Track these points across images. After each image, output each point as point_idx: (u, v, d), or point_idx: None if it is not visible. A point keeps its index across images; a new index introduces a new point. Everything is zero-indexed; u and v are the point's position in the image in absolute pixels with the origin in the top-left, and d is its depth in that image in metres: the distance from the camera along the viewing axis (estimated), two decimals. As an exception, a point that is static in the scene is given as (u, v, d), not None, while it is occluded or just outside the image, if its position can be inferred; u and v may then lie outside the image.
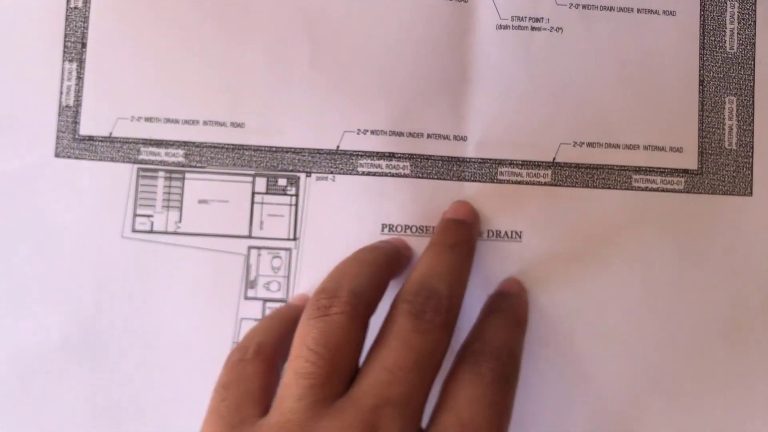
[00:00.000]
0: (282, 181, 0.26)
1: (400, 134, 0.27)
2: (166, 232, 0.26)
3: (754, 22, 0.27)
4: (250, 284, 0.26)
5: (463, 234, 0.24)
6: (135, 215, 0.26)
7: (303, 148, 0.27)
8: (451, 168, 0.27)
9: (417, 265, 0.22)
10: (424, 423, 0.20)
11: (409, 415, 0.19)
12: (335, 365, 0.19)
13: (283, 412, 0.19)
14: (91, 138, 0.26)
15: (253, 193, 0.26)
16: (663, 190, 0.27)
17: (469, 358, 0.21)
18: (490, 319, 0.23)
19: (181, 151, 0.26)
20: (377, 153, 0.27)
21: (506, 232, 0.26)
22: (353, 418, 0.18)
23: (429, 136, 0.27)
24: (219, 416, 0.20)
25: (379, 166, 0.27)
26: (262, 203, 0.26)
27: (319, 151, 0.27)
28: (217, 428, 0.19)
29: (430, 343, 0.20)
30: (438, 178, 0.27)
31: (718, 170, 0.27)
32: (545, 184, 0.27)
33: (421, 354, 0.20)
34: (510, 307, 0.24)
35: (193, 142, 0.26)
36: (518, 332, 0.23)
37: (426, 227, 0.26)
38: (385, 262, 0.23)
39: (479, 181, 0.27)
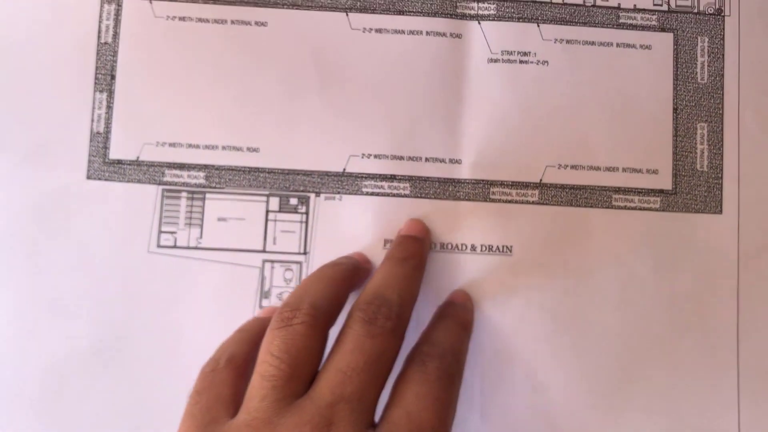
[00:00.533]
0: (293, 201, 0.29)
1: (401, 158, 0.29)
2: (188, 247, 0.29)
3: (723, 55, 0.30)
4: (265, 294, 0.29)
5: (414, 248, 0.27)
6: (160, 232, 0.29)
7: (313, 171, 0.29)
8: (447, 188, 0.29)
9: (372, 278, 0.25)
10: (377, 418, 0.22)
11: (361, 410, 0.21)
12: (295, 368, 0.22)
13: (249, 411, 0.21)
14: (119, 162, 0.29)
15: (267, 212, 0.29)
16: (640, 209, 0.29)
17: (417, 358, 0.23)
18: (438, 324, 0.26)
19: (202, 174, 0.29)
20: (380, 175, 0.29)
21: (498, 247, 0.29)
22: (311, 414, 0.20)
23: (427, 159, 0.29)
24: (192, 418, 0.22)
25: (382, 186, 0.29)
26: (275, 221, 0.29)
27: (327, 174, 0.29)
28: (191, 428, 0.22)
29: (380, 346, 0.22)
30: (435, 198, 0.29)
31: (690, 190, 0.30)
32: (533, 202, 0.29)
33: (372, 356, 0.22)
34: (456, 313, 0.27)
35: (213, 165, 0.29)
36: (463, 336, 0.26)
37: (424, 242, 0.29)
38: (343, 278, 0.26)
39: (473, 200, 0.29)
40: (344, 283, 0.25)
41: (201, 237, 0.29)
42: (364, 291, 0.24)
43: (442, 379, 0.22)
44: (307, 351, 0.22)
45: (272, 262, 0.29)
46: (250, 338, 0.25)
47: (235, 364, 0.23)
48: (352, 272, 0.26)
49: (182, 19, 0.30)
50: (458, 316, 0.26)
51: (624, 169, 0.30)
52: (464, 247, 0.29)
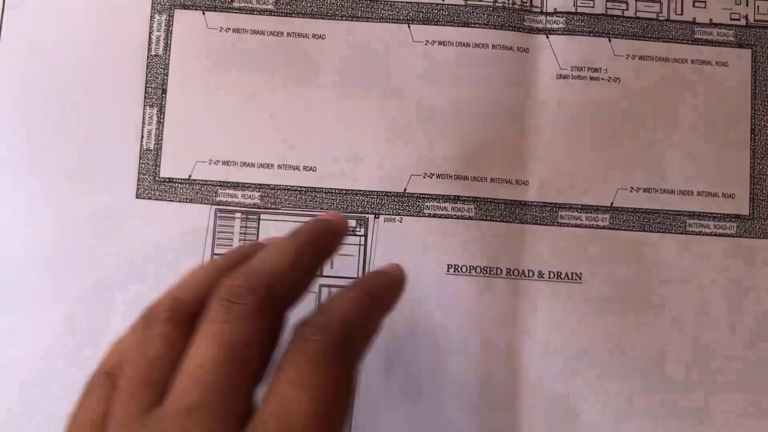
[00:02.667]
0: (352, 222, 0.28)
1: (465, 178, 0.28)
2: (241, 271, 0.27)
3: (803, 72, 0.29)
4: (322, 321, 0.27)
5: (314, 226, 0.22)
6: (213, 254, 0.27)
7: (372, 191, 0.28)
8: (514, 211, 0.28)
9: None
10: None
11: (221, 415, 0.17)
12: (150, 375, 0.18)
13: (111, 429, 0.18)
14: (170, 180, 0.28)
15: (325, 234, 0.28)
16: (716, 235, 0.28)
17: (297, 335, 0.19)
18: (339, 292, 0.20)
19: (256, 193, 0.28)
20: (443, 196, 0.28)
21: (567, 274, 0.28)
22: (163, 428, 0.17)
23: (492, 180, 0.28)
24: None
25: (445, 208, 0.28)
26: (333, 244, 0.27)
27: (387, 194, 0.28)
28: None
29: (240, 333, 0.18)
30: (501, 221, 0.28)
31: (769, 215, 0.28)
32: (603, 227, 0.28)
33: (231, 347, 0.18)
34: (368, 280, 0.22)
35: (268, 185, 0.28)
36: (366, 304, 0.20)
37: (490, 268, 0.27)
38: (213, 271, 0.21)
39: (540, 224, 0.28)
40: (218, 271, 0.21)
41: (255, 260, 0.27)
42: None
43: (323, 356, 0.18)
44: (166, 352, 0.18)
45: (329, 287, 0.27)
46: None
47: (113, 375, 0.20)
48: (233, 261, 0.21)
49: (236, 31, 0.28)
50: (368, 284, 0.21)
51: (699, 193, 0.28)
52: (531, 274, 0.28)
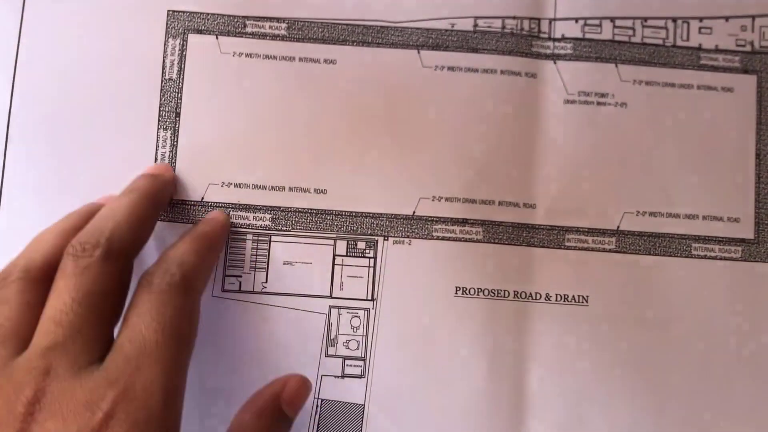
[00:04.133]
0: (361, 245, 0.28)
1: (473, 201, 0.28)
2: (253, 292, 0.28)
3: (808, 98, 0.29)
4: (331, 342, 0.28)
5: (141, 183, 0.26)
6: (225, 276, 0.28)
7: (381, 214, 0.28)
8: (521, 234, 0.28)
9: None
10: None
11: (78, 348, 0.20)
12: (9, 328, 0.21)
13: None
14: (183, 202, 0.28)
15: (334, 256, 0.28)
16: (721, 258, 0.28)
17: (142, 279, 0.22)
18: (175, 242, 0.25)
19: (268, 216, 0.28)
20: (451, 219, 0.28)
21: (573, 296, 0.28)
22: (26, 368, 0.20)
23: (500, 203, 0.28)
24: None
25: (453, 231, 0.28)
26: (342, 265, 0.28)
27: (396, 217, 0.28)
28: None
29: (90, 278, 0.21)
30: (509, 244, 0.28)
31: (773, 239, 0.28)
32: (610, 250, 0.28)
33: (81, 291, 0.21)
34: (195, 228, 0.26)
35: (279, 207, 0.28)
36: (196, 247, 0.24)
37: (498, 291, 0.28)
38: (72, 222, 0.24)
39: (547, 247, 0.28)
40: (74, 230, 0.24)
41: (266, 281, 0.28)
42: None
43: (165, 293, 0.22)
44: (22, 307, 0.21)
45: (339, 308, 0.28)
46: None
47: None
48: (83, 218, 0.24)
49: (249, 55, 0.29)
50: (196, 230, 0.26)
51: (704, 217, 0.28)
52: (538, 296, 0.28)
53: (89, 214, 0.25)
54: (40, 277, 0.22)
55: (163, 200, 0.27)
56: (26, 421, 0.19)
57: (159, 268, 0.23)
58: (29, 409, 0.19)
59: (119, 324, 0.22)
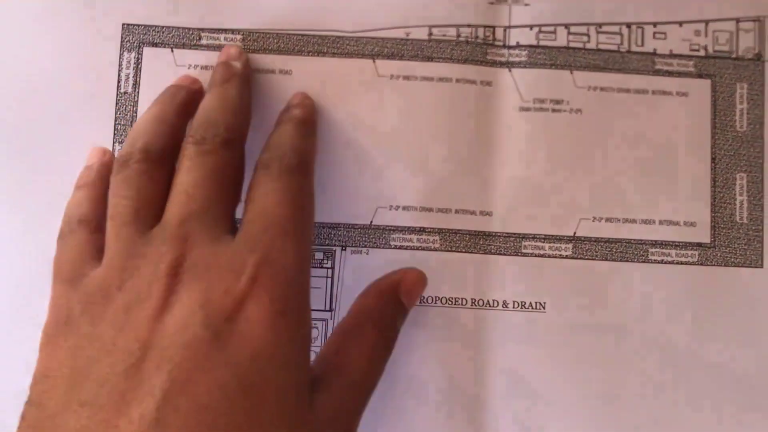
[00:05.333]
0: (318, 255, 0.28)
1: (430, 210, 0.28)
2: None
3: (763, 102, 0.29)
4: (290, 353, 0.28)
5: (223, 70, 0.27)
6: (181, 288, 0.28)
7: (338, 224, 0.28)
8: (478, 242, 0.28)
9: (198, 108, 0.25)
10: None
11: (213, 219, 0.22)
12: (140, 201, 0.22)
13: (109, 255, 0.22)
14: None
15: (292, 267, 0.28)
16: (678, 263, 0.28)
17: (260, 165, 0.24)
18: (275, 130, 0.26)
19: (224, 228, 0.28)
20: (408, 228, 0.28)
21: (531, 303, 0.28)
22: (165, 235, 0.21)
23: (457, 211, 0.28)
24: (59, 278, 0.22)
25: (410, 240, 0.28)
26: (300, 276, 0.28)
27: (353, 226, 0.28)
28: (59, 288, 0.22)
29: (215, 159, 0.23)
30: (466, 252, 0.28)
31: (730, 243, 0.28)
32: (566, 257, 0.28)
33: (208, 170, 0.23)
34: (292, 114, 0.27)
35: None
36: (301, 131, 0.26)
37: (455, 299, 0.28)
38: (170, 109, 0.26)
39: (504, 255, 0.28)
40: (175, 115, 0.25)
41: (224, 293, 0.28)
42: (193, 120, 0.25)
43: (286, 174, 0.23)
44: (149, 185, 0.23)
45: (297, 319, 0.28)
46: (91, 195, 0.25)
47: (86, 221, 0.24)
48: (178, 102, 0.26)
49: (205, 68, 0.29)
50: (294, 116, 0.26)
51: (661, 222, 0.29)
52: (495, 304, 0.28)
53: (196, 93, 0.27)
54: (160, 160, 0.24)
55: (249, 83, 0.28)
56: (171, 281, 0.20)
57: (273, 153, 0.24)
58: (173, 271, 0.20)
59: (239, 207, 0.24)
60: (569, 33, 0.29)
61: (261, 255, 0.21)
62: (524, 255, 0.28)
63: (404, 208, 0.28)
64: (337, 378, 0.23)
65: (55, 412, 0.19)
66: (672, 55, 0.29)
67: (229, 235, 0.22)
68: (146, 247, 0.21)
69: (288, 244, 0.22)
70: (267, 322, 0.20)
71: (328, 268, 0.28)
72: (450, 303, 0.28)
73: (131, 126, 0.28)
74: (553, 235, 0.28)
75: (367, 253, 0.28)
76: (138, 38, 0.29)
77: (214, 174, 0.23)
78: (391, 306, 0.25)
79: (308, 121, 0.27)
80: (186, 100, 0.26)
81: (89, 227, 0.24)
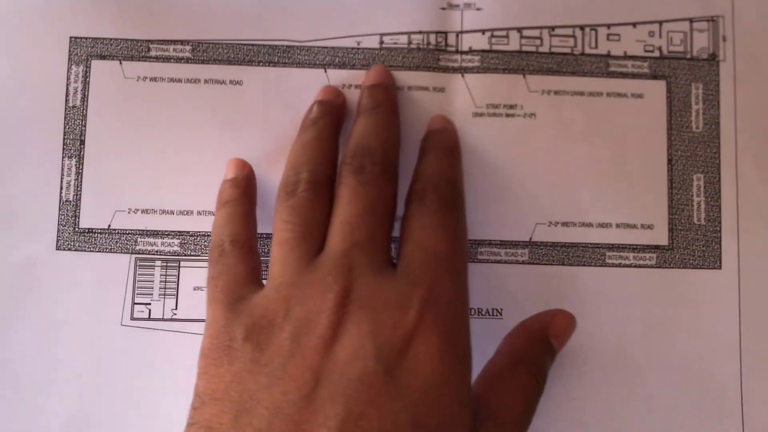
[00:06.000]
0: (273, 267, 0.28)
1: (384, 218, 0.28)
2: (163, 319, 0.27)
3: (718, 102, 0.29)
4: (244, 367, 0.27)
5: (381, 95, 0.27)
6: (134, 303, 0.27)
7: (292, 235, 0.28)
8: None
9: (351, 133, 0.25)
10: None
11: (375, 251, 0.22)
12: (307, 228, 0.23)
13: (274, 278, 0.22)
14: (90, 230, 0.28)
15: (246, 279, 0.28)
16: (636, 266, 0.28)
17: (414, 196, 0.24)
18: (423, 158, 0.26)
19: (176, 241, 0.28)
20: (363, 237, 0.28)
21: (487, 310, 0.28)
22: (331, 265, 0.21)
23: (412, 219, 0.28)
24: (217, 301, 0.23)
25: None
26: (254, 288, 0.28)
27: (307, 237, 0.28)
28: (218, 310, 0.22)
29: (375, 190, 0.23)
30: (421, 260, 0.28)
31: (688, 245, 0.28)
32: (523, 262, 0.28)
33: (370, 201, 0.23)
34: (438, 141, 0.26)
35: (188, 232, 0.28)
36: (451, 161, 0.26)
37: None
38: (329, 136, 0.26)
39: (460, 262, 0.28)
40: (330, 140, 0.26)
41: (176, 308, 0.27)
42: (347, 146, 0.25)
43: (442, 208, 0.23)
44: (315, 213, 0.23)
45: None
46: (241, 216, 0.25)
47: (240, 243, 0.24)
48: (334, 121, 0.27)
49: (153, 79, 0.28)
50: (441, 144, 0.26)
51: (617, 225, 0.28)
52: (452, 311, 0.28)
53: (342, 107, 0.27)
54: (324, 187, 0.24)
55: (397, 108, 0.28)
56: (339, 312, 0.20)
57: (426, 184, 0.24)
58: (340, 302, 0.21)
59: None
60: (522, 37, 0.29)
61: (425, 291, 0.21)
62: (480, 261, 0.28)
63: (358, 217, 0.28)
64: (494, 419, 0.22)
65: None
66: (626, 57, 0.29)
67: (391, 267, 0.22)
68: (311, 276, 0.22)
69: (450, 280, 0.22)
70: (436, 358, 0.20)
71: (282, 279, 0.28)
72: (406, 312, 0.28)
73: (81, 141, 0.28)
74: (509, 241, 0.28)
75: (321, 264, 0.28)
76: (86, 51, 0.28)
77: (374, 205, 0.23)
78: (542, 348, 0.25)
79: (455, 149, 0.27)
80: (338, 118, 0.27)
81: (243, 248, 0.24)
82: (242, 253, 0.24)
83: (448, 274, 0.22)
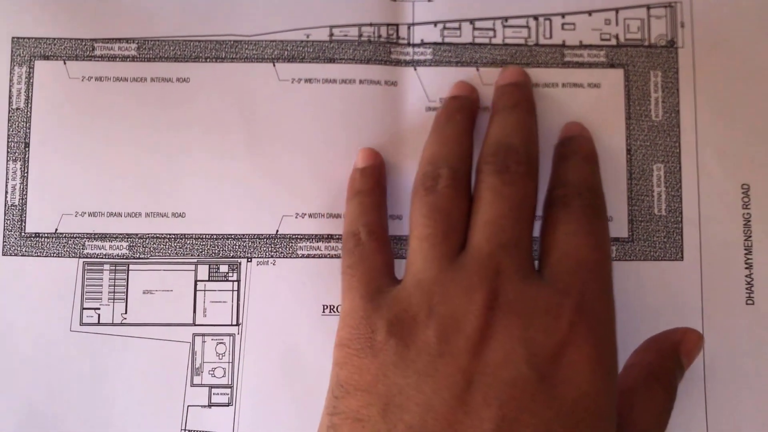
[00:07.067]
0: (224, 268, 0.27)
1: (338, 216, 0.27)
2: (112, 324, 0.27)
3: (678, 90, 0.28)
4: (196, 371, 0.27)
5: (518, 94, 0.26)
6: (82, 309, 0.27)
7: (243, 235, 0.27)
8: (392, 246, 0.27)
9: (487, 132, 0.25)
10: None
11: (521, 255, 0.22)
12: (449, 226, 0.22)
13: (414, 273, 0.22)
14: (37, 235, 0.27)
15: (196, 281, 0.27)
16: (595, 259, 0.27)
17: (557, 201, 0.23)
18: (563, 164, 0.25)
19: (125, 244, 0.27)
20: (316, 235, 0.27)
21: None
22: (477, 266, 0.21)
23: (366, 216, 0.27)
24: (354, 290, 0.23)
25: (318, 248, 0.27)
26: (204, 290, 0.27)
27: (258, 237, 0.27)
28: (356, 300, 0.22)
29: (519, 191, 0.23)
30: (376, 258, 0.27)
31: (648, 237, 0.28)
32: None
33: (515, 202, 0.22)
34: (576, 148, 0.26)
35: (136, 234, 0.27)
36: (591, 168, 0.25)
37: (365, 307, 0.27)
38: (465, 130, 0.26)
39: (416, 259, 0.27)
40: (467, 135, 0.25)
41: (126, 312, 0.27)
42: (485, 145, 0.24)
43: (589, 215, 0.23)
44: (456, 209, 0.23)
45: (203, 335, 0.27)
46: (375, 206, 0.25)
47: (376, 234, 0.24)
48: (470, 117, 0.26)
49: (99, 79, 0.28)
50: (580, 150, 0.26)
51: (577, 218, 0.28)
52: (408, 310, 0.27)
53: (476, 102, 0.27)
54: (465, 184, 0.24)
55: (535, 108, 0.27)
56: (487, 314, 0.20)
57: (570, 190, 0.24)
58: (488, 304, 0.20)
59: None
60: (474, 28, 0.28)
61: (576, 300, 0.21)
62: (436, 258, 0.27)
63: (311, 215, 0.27)
64: None
65: (379, 430, 0.19)
66: (582, 46, 0.28)
67: (536, 272, 0.22)
68: (455, 274, 0.21)
69: (600, 290, 0.21)
70: (587, 368, 0.20)
71: (233, 281, 0.27)
72: (361, 311, 0.27)
73: (25, 144, 0.27)
74: (465, 237, 0.27)
75: (274, 264, 0.27)
76: (29, 51, 0.28)
77: (519, 206, 0.23)
78: (674, 365, 0.24)
79: (594, 155, 0.26)
80: (473, 114, 0.27)
81: (379, 239, 0.24)
82: (379, 243, 0.24)
83: (597, 283, 0.22)
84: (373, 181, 0.26)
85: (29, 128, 0.28)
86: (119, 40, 0.28)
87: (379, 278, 0.23)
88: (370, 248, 0.24)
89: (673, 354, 0.25)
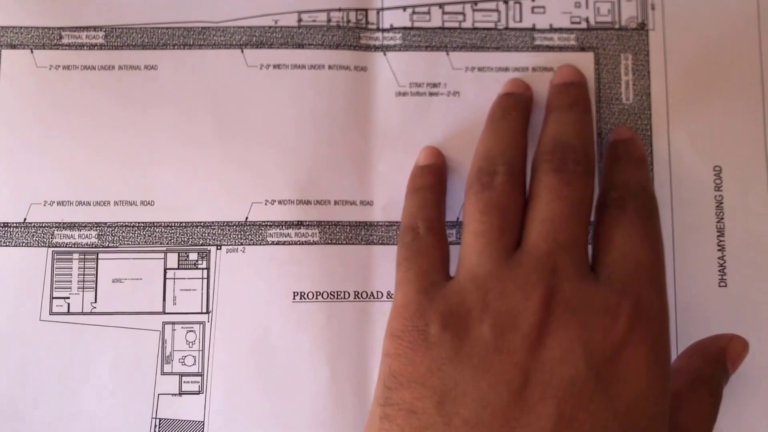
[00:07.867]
0: (193, 256, 0.27)
1: (308, 202, 0.27)
2: (82, 313, 0.27)
3: (648, 72, 0.28)
4: (166, 359, 0.27)
5: (575, 93, 0.26)
6: (52, 298, 0.27)
7: (212, 222, 0.27)
8: (360, 233, 0.27)
9: (543, 130, 0.25)
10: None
11: (578, 254, 0.22)
12: (505, 223, 0.22)
13: (469, 268, 0.22)
14: (5, 224, 0.27)
15: (165, 269, 0.27)
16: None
17: (611, 203, 0.23)
18: (616, 167, 0.25)
19: (93, 233, 0.27)
20: (286, 222, 0.27)
21: (415, 294, 0.27)
22: (533, 264, 0.21)
23: (336, 202, 0.27)
24: (410, 282, 0.22)
25: (288, 234, 0.27)
26: (174, 278, 0.27)
27: (228, 224, 0.27)
28: (410, 293, 0.22)
29: (578, 190, 0.23)
30: (347, 243, 0.27)
31: (619, 220, 0.28)
32: (452, 243, 0.27)
33: (573, 201, 0.22)
34: (629, 150, 0.26)
35: (105, 223, 0.27)
36: (644, 170, 0.25)
37: (337, 293, 0.27)
38: (521, 127, 0.26)
39: (387, 244, 0.27)
40: (523, 132, 0.25)
41: (95, 301, 0.27)
42: (541, 143, 0.24)
43: (644, 217, 0.23)
44: (513, 206, 0.23)
45: (173, 323, 0.27)
46: (436, 202, 0.25)
47: (435, 230, 0.24)
48: (525, 114, 0.26)
49: (66, 68, 0.28)
50: (633, 153, 0.26)
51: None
52: (380, 295, 0.27)
53: (531, 99, 0.27)
54: (521, 180, 0.24)
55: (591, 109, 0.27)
56: (544, 312, 0.20)
57: (624, 193, 0.24)
58: (546, 302, 0.20)
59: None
60: (444, 13, 0.28)
61: (634, 301, 0.21)
62: (407, 244, 0.27)
63: (280, 202, 0.27)
64: None
65: (434, 423, 0.19)
66: (552, 30, 0.28)
67: (593, 273, 0.22)
68: (512, 271, 0.21)
69: (655, 292, 0.22)
70: (644, 370, 0.20)
71: (203, 269, 0.27)
72: (332, 297, 0.27)
73: None
74: (449, 221, 0.27)
75: (243, 251, 0.27)
76: (-5, 41, 0.28)
77: (577, 206, 0.22)
78: (719, 370, 0.24)
79: (645, 158, 0.26)
80: (528, 111, 0.26)
81: (437, 235, 0.24)
82: (436, 239, 0.24)
83: (653, 285, 0.22)
84: (435, 178, 0.26)
85: (-3, 118, 0.27)
86: (87, 28, 0.28)
87: (435, 273, 0.23)
88: (427, 243, 0.24)
89: (719, 360, 0.24)
